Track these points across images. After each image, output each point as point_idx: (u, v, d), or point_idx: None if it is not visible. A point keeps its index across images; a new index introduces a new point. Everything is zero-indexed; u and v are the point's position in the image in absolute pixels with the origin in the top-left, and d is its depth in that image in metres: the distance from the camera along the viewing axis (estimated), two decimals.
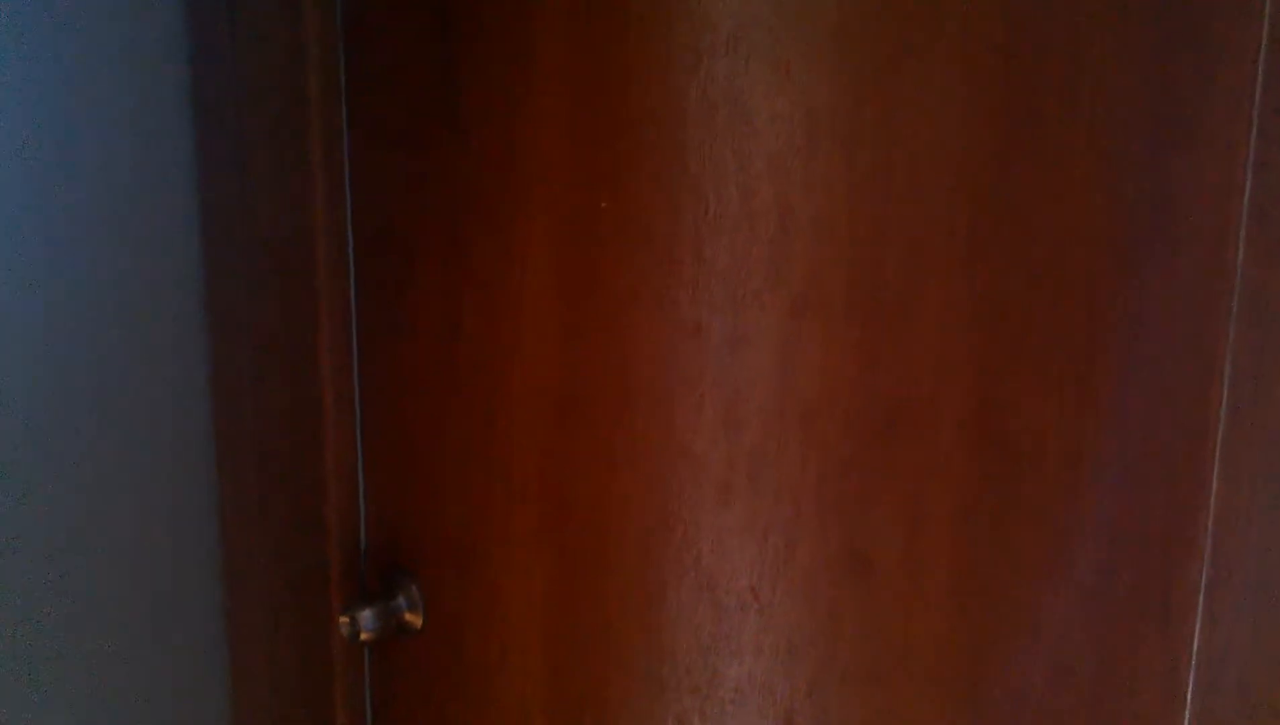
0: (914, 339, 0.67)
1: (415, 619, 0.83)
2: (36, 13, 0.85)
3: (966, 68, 0.64)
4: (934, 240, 0.66)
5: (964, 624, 0.71)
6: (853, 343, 0.67)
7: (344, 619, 0.80)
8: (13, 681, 0.90)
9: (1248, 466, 0.77)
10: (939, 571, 0.70)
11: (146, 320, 0.92)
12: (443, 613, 0.82)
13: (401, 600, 0.83)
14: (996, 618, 0.72)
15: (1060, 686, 0.74)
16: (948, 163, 0.65)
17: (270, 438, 0.89)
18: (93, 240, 0.89)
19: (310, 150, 0.79)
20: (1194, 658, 0.77)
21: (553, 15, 0.68)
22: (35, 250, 0.87)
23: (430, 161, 0.76)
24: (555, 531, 0.74)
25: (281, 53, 0.80)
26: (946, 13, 0.63)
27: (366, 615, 0.81)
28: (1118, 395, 0.71)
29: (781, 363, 0.67)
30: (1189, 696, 0.78)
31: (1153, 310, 0.71)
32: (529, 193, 0.71)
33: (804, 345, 0.67)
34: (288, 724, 0.93)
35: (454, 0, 0.72)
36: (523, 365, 0.73)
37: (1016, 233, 0.66)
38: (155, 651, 0.96)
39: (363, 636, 0.81)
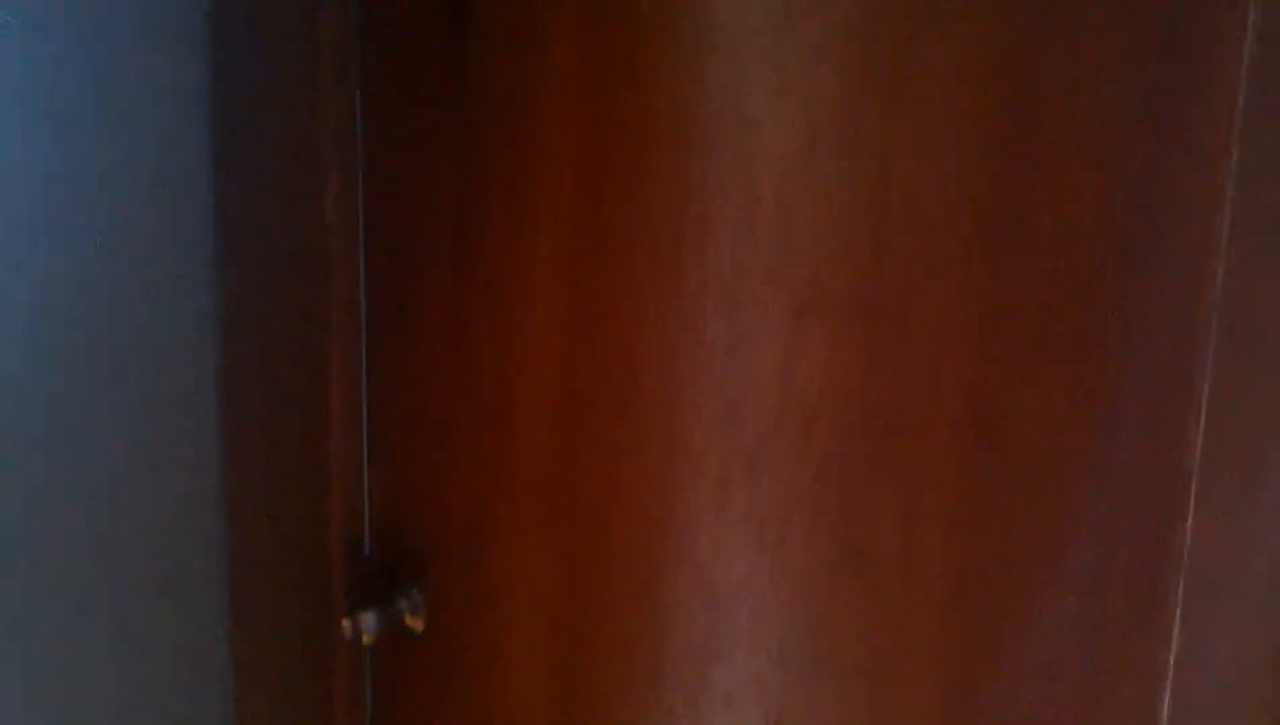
0: (912, 341, 0.68)
1: (416, 622, 0.83)
2: (56, 14, 0.85)
3: (966, 75, 0.66)
4: (932, 244, 0.67)
5: (957, 623, 0.72)
6: (851, 344, 0.68)
7: (346, 621, 0.80)
8: (14, 680, 0.89)
9: (1227, 469, 0.78)
10: (933, 571, 0.71)
11: (158, 318, 0.92)
12: (444, 616, 0.82)
13: (403, 603, 0.83)
14: (989, 617, 0.72)
15: (1049, 684, 0.75)
16: (947, 167, 0.66)
17: (277, 438, 0.89)
18: (108, 237, 0.89)
19: (323, 149, 0.79)
20: (1173, 656, 0.78)
21: (564, 23, 0.69)
22: (50, 247, 0.87)
23: (440, 162, 0.76)
24: (559, 535, 0.75)
25: (298, 51, 0.80)
26: (946, 21, 0.65)
27: (369, 617, 0.81)
28: (1108, 397, 0.73)
29: (781, 363, 0.68)
30: (1167, 693, 0.79)
31: (1141, 315, 0.73)
32: (537, 193, 0.71)
33: (803, 346, 0.68)
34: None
35: (470, 8, 0.73)
36: (528, 366, 0.74)
37: (1013, 237, 0.68)
38: (158, 652, 0.95)
39: (365, 639, 0.81)
